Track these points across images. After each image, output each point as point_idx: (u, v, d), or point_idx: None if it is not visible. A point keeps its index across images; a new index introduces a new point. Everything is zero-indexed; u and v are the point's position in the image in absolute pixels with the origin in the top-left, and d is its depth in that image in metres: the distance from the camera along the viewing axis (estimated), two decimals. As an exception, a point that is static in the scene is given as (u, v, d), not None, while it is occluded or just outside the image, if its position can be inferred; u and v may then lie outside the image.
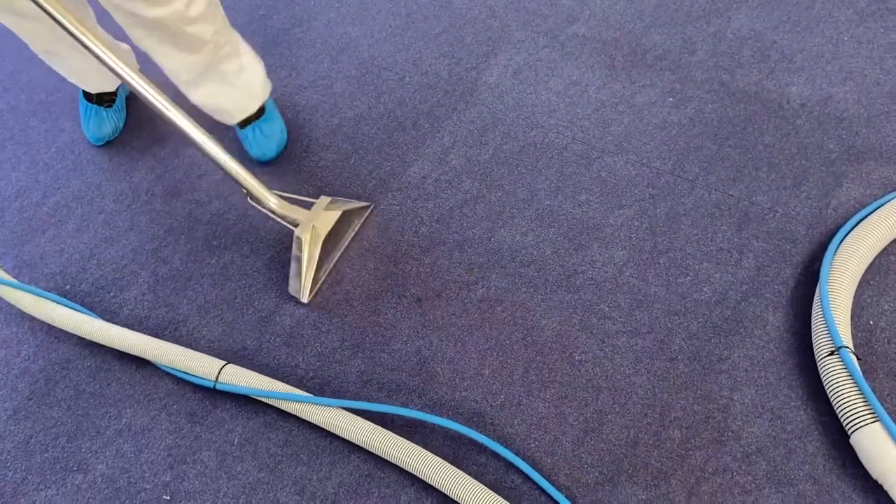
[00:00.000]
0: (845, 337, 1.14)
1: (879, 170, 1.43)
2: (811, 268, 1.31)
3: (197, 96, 1.52)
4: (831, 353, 1.12)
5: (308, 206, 1.43)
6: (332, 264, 1.46)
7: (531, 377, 1.25)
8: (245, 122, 1.64)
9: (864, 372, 1.15)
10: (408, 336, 1.33)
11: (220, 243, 1.53)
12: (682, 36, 1.77)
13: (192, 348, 1.35)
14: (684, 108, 1.61)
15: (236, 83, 1.53)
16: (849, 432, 1.07)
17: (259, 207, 1.41)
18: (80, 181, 1.70)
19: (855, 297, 1.25)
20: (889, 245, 1.31)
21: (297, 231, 1.39)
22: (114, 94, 1.76)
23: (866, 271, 1.28)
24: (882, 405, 1.07)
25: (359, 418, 1.19)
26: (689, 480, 1.11)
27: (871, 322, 1.23)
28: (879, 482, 1.04)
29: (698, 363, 1.23)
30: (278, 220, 1.42)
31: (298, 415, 1.23)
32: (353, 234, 1.50)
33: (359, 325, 1.36)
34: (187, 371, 1.28)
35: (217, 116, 1.61)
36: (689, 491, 1.10)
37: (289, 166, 1.65)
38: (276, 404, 1.24)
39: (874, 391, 1.13)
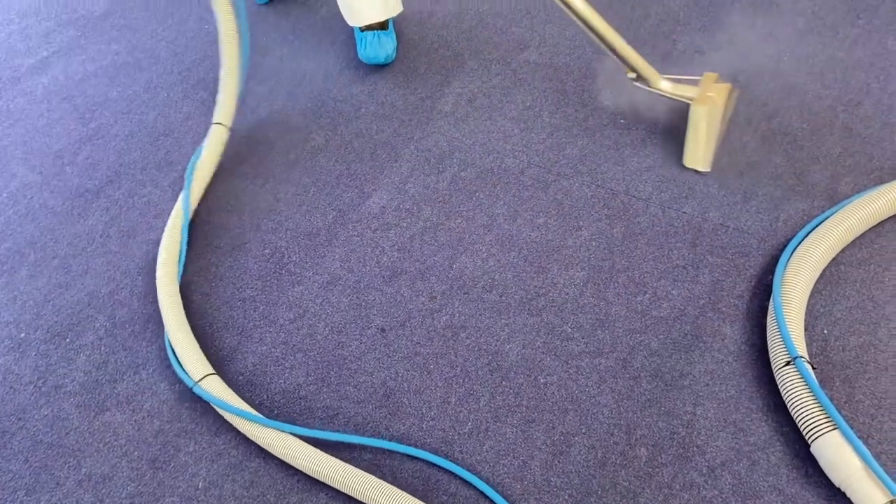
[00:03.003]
0: (800, 347, 1.16)
1: (825, 181, 1.48)
2: (764, 280, 1.34)
3: None
4: (787, 364, 1.14)
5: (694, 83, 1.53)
6: (723, 136, 1.57)
7: (498, 402, 1.25)
8: (368, 27, 1.89)
9: (820, 380, 1.18)
10: (373, 368, 1.32)
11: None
12: (630, 59, 1.82)
13: (153, 392, 1.32)
14: (635, 129, 1.65)
15: None
16: (809, 441, 1.09)
17: (648, 89, 1.54)
18: (33, 226, 1.67)
19: (808, 307, 1.28)
20: (838, 255, 1.35)
21: (694, 103, 1.48)
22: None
23: (818, 281, 1.32)
24: (839, 413, 1.10)
25: (323, 454, 1.18)
26: (657, 498, 1.12)
27: (825, 331, 1.26)
28: (842, 489, 1.06)
29: (660, 380, 1.24)
30: (673, 97, 1.53)
31: (261, 445, 1.22)
32: (732, 110, 1.62)
33: (323, 359, 1.35)
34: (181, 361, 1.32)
35: (350, 16, 1.86)
36: (658, 508, 1.11)
37: (243, 199, 1.64)
38: (241, 427, 1.24)
39: (831, 399, 1.15)
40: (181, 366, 1.33)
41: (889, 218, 1.38)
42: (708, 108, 1.47)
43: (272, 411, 1.29)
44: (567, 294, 1.38)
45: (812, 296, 1.30)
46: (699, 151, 1.53)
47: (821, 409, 1.08)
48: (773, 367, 1.18)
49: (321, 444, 1.21)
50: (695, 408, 1.20)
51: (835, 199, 1.44)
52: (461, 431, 1.22)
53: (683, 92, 1.52)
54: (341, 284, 1.45)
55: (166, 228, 1.55)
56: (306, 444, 1.20)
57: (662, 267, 1.39)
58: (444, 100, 1.81)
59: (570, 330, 1.33)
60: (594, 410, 1.22)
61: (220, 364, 1.36)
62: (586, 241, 1.45)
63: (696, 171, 1.55)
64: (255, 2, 2.23)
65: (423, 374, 1.30)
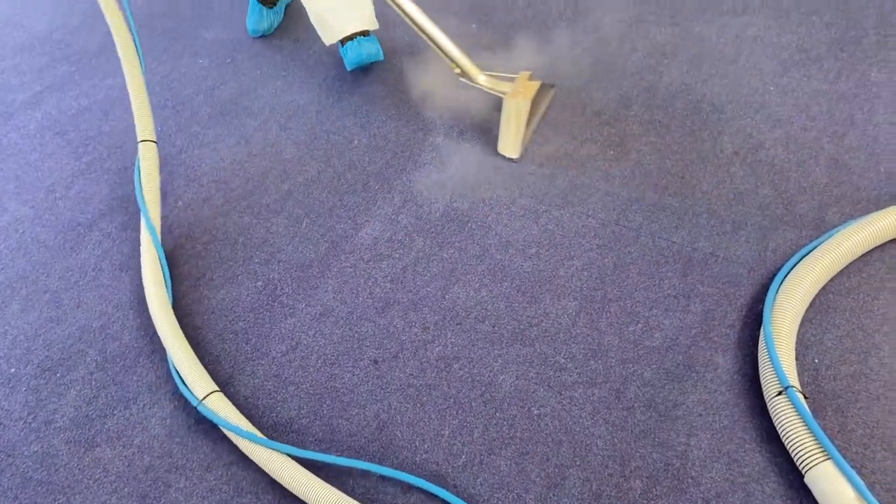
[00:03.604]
0: (791, 376, 1.17)
1: (812, 211, 1.50)
2: (755, 309, 1.35)
3: (315, 5, 1.83)
4: (779, 394, 1.14)
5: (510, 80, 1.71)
6: (534, 128, 1.75)
7: (491, 434, 1.24)
8: (347, 39, 1.92)
9: (812, 410, 1.18)
10: (366, 400, 1.32)
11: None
12: (618, 92, 1.85)
13: (143, 427, 1.31)
14: (624, 160, 1.67)
15: (348, 2, 1.86)
16: (803, 472, 1.09)
17: (470, 83, 1.70)
18: (25, 260, 1.66)
19: (798, 336, 1.29)
20: (827, 284, 1.36)
21: (506, 97, 1.63)
22: None
23: (808, 310, 1.33)
24: (832, 443, 1.10)
25: (319, 480, 1.17)
26: (652, 530, 1.11)
27: (816, 360, 1.26)
28: (836, 519, 1.05)
29: (654, 410, 1.24)
30: (490, 91, 1.68)
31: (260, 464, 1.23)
32: (548, 104, 1.81)
33: (315, 391, 1.35)
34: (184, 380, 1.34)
35: (325, 32, 1.89)
36: (653, 541, 1.10)
37: (235, 231, 1.64)
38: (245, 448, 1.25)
39: (824, 429, 1.15)
40: (185, 384, 1.34)
41: (876, 247, 1.40)
42: (518, 101, 1.63)
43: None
44: (560, 324, 1.38)
45: (802, 325, 1.31)
46: (510, 140, 1.69)
47: (814, 439, 1.08)
48: (765, 397, 1.19)
49: (322, 467, 1.20)
50: (689, 438, 1.20)
51: (822, 228, 1.46)
52: (455, 465, 1.21)
53: (499, 87, 1.69)
54: (334, 316, 1.45)
55: (143, 256, 1.54)
56: (302, 469, 1.19)
57: (654, 296, 1.40)
58: (435, 131, 1.82)
59: (563, 360, 1.33)
60: (588, 442, 1.21)
61: (212, 398, 1.35)
62: (578, 271, 1.46)
63: (511, 160, 1.71)
64: (248, 35, 2.26)
65: (417, 406, 1.30)
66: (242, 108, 1.99)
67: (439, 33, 1.63)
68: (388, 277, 1.51)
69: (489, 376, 1.32)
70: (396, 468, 1.22)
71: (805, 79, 1.80)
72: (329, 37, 1.91)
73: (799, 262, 1.36)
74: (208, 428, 1.31)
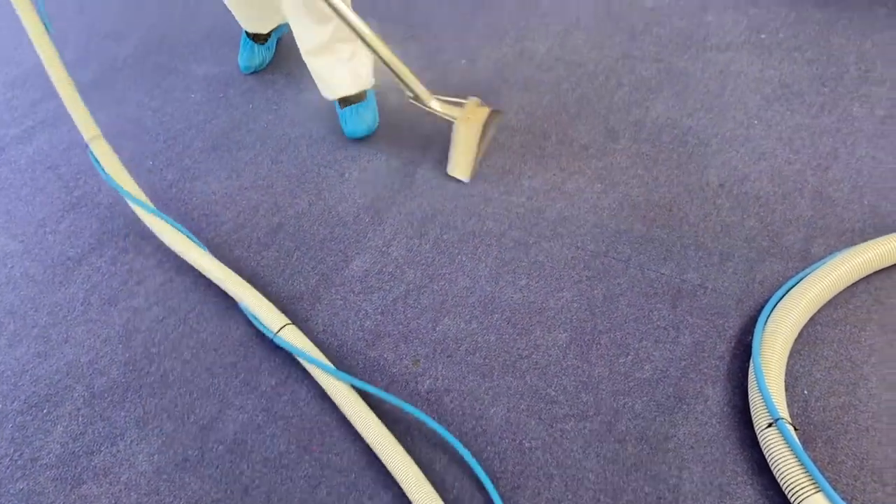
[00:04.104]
0: (781, 408, 1.17)
1: (798, 244, 1.52)
2: (744, 340, 1.36)
3: (314, 64, 1.86)
4: (769, 426, 1.15)
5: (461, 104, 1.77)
6: (484, 151, 1.80)
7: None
8: (346, 102, 1.93)
9: (802, 442, 1.18)
10: (357, 434, 1.31)
11: (159, 350, 1.49)
12: (605, 125, 1.88)
13: (130, 464, 1.30)
14: (612, 192, 1.69)
15: (347, 64, 1.85)
16: (794, 504, 1.09)
17: (422, 107, 1.75)
18: (14, 295, 1.65)
19: (787, 368, 1.30)
20: (815, 315, 1.37)
21: (456, 122, 1.73)
22: (267, 35, 2.27)
23: (796, 341, 1.33)
24: (823, 475, 1.10)
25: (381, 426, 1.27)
26: (645, 565, 1.10)
27: (806, 391, 1.27)
28: (829, 552, 1.05)
29: (646, 443, 1.24)
30: (441, 115, 1.75)
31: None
32: (495, 131, 1.87)
33: (305, 426, 1.34)
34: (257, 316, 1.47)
35: (324, 89, 1.93)
36: (646, 577, 1.09)
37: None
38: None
39: (814, 461, 1.15)
40: (258, 320, 1.47)
41: (862, 279, 1.42)
42: (468, 125, 1.73)
43: (253, 481, 1.26)
44: (550, 356, 1.38)
45: (791, 356, 1.31)
46: (460, 163, 1.77)
47: (804, 471, 1.08)
48: (756, 429, 1.19)
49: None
50: (680, 472, 1.19)
51: (808, 260, 1.48)
52: (447, 499, 1.20)
53: (450, 111, 1.76)
54: (323, 348, 1.45)
55: (159, 234, 1.65)
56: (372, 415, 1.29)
57: (644, 328, 1.41)
58: (425, 164, 1.84)
59: (553, 393, 1.33)
60: (580, 476, 1.21)
61: (200, 433, 1.34)
62: (568, 303, 1.47)
63: (461, 182, 1.77)
64: (240, 70, 2.29)
65: (406, 439, 1.29)
66: (234, 141, 2.01)
67: (395, 58, 1.66)
68: (379, 310, 1.51)
69: (480, 409, 1.32)
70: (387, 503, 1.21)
71: (788, 113, 1.83)
72: (328, 93, 1.94)
73: (786, 293, 1.37)
74: (196, 465, 1.30)
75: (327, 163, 1.89)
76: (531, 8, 2.38)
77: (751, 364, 1.27)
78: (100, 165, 1.66)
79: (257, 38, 2.26)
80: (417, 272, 1.58)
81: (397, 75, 1.68)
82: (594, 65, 2.10)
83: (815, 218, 1.57)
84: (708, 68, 2.02)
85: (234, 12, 2.14)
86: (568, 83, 2.04)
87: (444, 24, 2.37)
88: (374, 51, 1.64)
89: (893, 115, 1.79)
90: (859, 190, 1.61)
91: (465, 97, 1.78)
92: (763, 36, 2.11)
